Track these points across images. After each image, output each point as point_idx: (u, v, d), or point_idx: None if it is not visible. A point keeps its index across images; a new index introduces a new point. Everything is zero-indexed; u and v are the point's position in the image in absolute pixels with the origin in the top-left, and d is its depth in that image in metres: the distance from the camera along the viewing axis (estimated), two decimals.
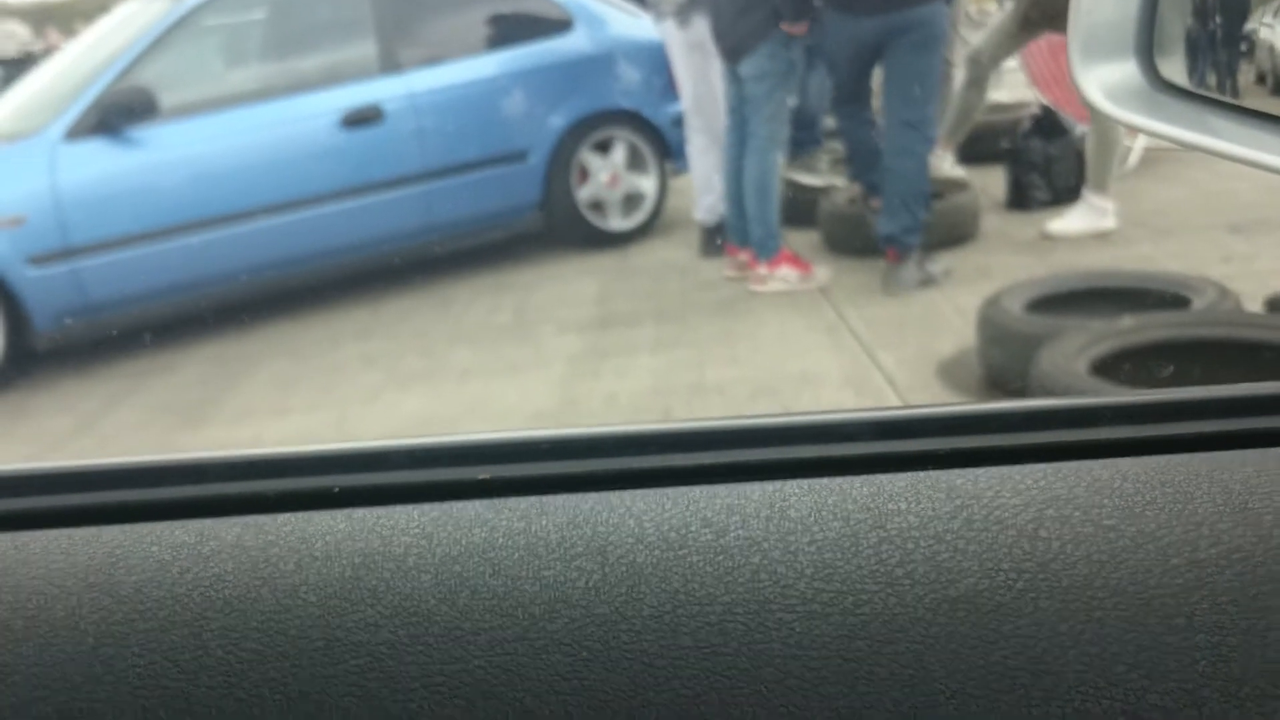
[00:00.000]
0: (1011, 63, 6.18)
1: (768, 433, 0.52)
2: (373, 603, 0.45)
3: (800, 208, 4.83)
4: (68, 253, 4.13)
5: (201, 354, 4.33)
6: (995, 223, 4.65)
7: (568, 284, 4.69)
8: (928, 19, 3.74)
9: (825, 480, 0.48)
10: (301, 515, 0.49)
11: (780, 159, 4.17)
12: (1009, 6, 4.45)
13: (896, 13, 3.72)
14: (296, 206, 4.50)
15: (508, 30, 5.15)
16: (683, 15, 4.52)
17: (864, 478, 0.48)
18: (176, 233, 4.29)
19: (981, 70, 4.51)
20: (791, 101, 4.10)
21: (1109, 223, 4.41)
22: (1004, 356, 2.89)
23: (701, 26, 4.40)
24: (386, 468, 0.54)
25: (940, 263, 4.03)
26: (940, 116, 4.61)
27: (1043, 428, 0.51)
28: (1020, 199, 4.79)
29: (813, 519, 0.46)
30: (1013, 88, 6.66)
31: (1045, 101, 5.22)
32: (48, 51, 8.11)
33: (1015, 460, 0.48)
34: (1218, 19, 0.95)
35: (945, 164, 4.72)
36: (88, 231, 4.17)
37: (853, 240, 4.42)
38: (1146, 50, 0.78)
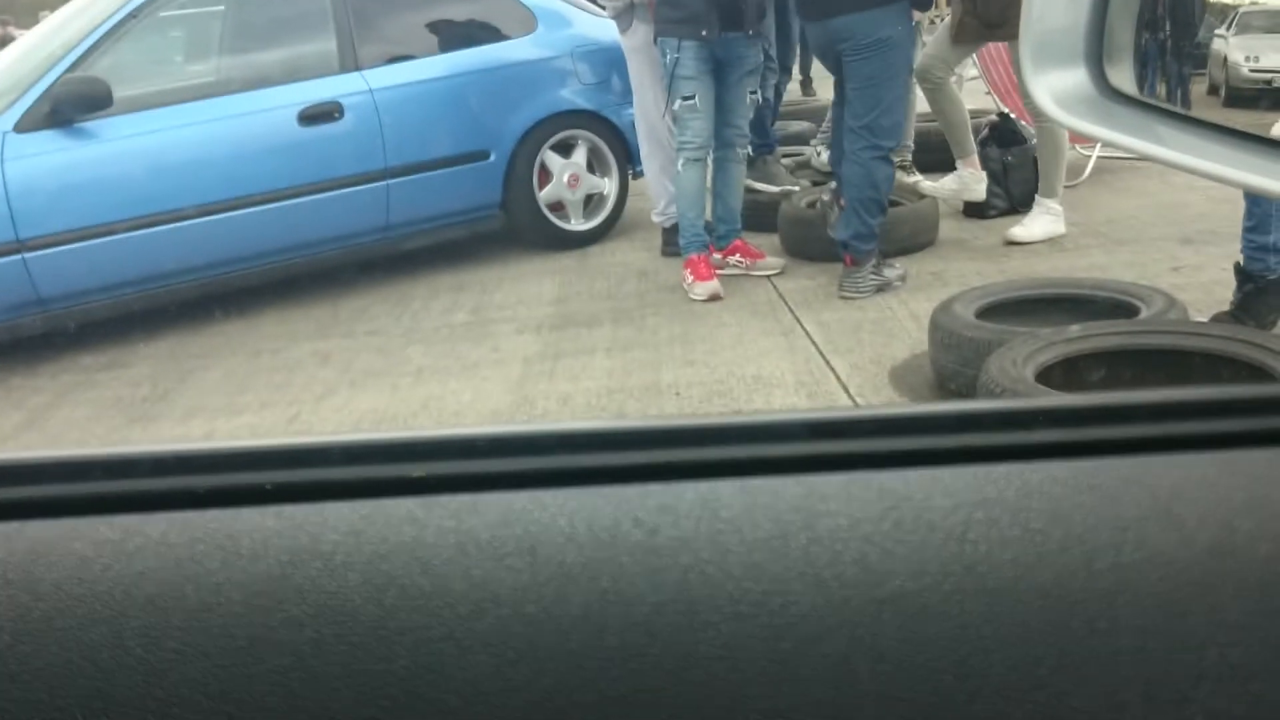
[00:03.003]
0: (971, 71, 6.24)
1: (703, 433, 0.52)
2: (298, 600, 0.44)
3: (761, 211, 4.85)
4: (17, 246, 4.06)
5: (154, 350, 4.28)
6: (953, 230, 4.69)
7: (527, 284, 4.68)
8: (850, 30, 3.73)
9: (758, 480, 0.48)
10: (230, 511, 0.48)
11: (680, 166, 4.15)
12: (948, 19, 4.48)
13: (840, 18, 3.73)
14: (252, 203, 4.45)
15: (470, 30, 5.13)
16: (622, 19, 4.53)
17: (796, 478, 0.48)
18: (129, 227, 4.23)
19: (934, 82, 4.53)
20: (691, 105, 4.05)
21: (1062, 227, 4.47)
22: (955, 361, 2.92)
23: (641, 31, 4.42)
24: (321, 464, 0.53)
25: (897, 268, 4.06)
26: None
27: (975, 430, 0.51)
28: (978, 207, 4.83)
29: (744, 519, 0.46)
30: (971, 96, 6.72)
31: (1004, 110, 5.27)
32: (4, 42, 7.97)
33: (947, 462, 0.49)
34: (1167, 30, 0.96)
35: (914, 176, 4.77)
36: (38, 225, 4.10)
37: (812, 244, 4.43)
38: (1096, 58, 0.79)
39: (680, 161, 4.15)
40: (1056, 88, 0.79)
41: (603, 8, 4.87)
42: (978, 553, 0.44)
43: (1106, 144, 0.67)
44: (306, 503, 0.49)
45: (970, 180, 4.69)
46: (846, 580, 0.44)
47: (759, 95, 4.24)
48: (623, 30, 4.56)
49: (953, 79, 4.77)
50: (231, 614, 0.44)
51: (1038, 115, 4.39)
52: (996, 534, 0.45)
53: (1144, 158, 0.84)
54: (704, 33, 3.94)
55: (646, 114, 4.64)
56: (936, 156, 4.93)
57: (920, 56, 4.51)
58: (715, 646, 0.42)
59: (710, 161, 4.29)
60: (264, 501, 0.50)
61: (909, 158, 4.95)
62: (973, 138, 4.71)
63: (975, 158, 4.72)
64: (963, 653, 0.42)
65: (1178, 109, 0.91)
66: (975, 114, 5.17)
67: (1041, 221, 4.45)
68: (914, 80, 4.52)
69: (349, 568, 0.45)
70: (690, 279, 4.16)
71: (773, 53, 4.74)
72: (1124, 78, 0.80)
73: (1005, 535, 0.45)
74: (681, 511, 0.47)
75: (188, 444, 0.54)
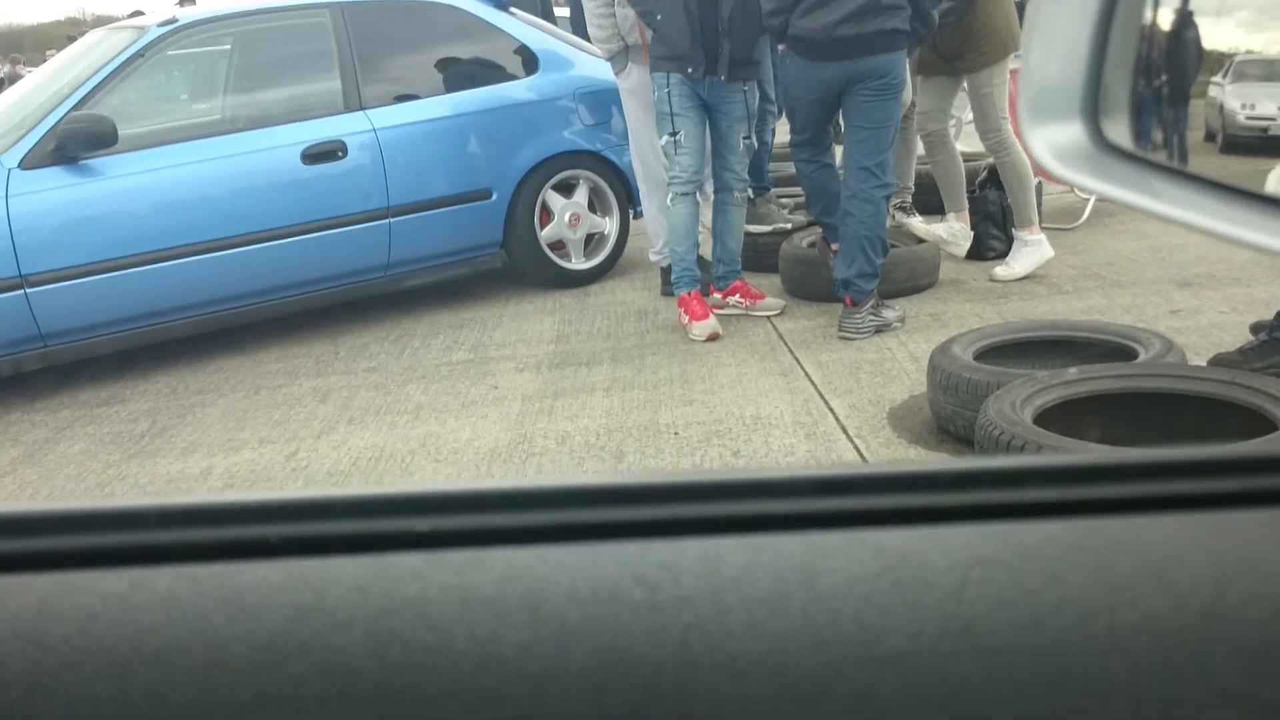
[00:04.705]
0: (969, 114, 6.28)
1: (707, 488, 0.53)
2: (303, 656, 0.44)
3: (761, 251, 4.87)
4: (20, 282, 4.08)
5: (153, 386, 4.29)
6: (952, 271, 4.71)
7: (527, 322, 4.70)
8: (885, 68, 3.79)
9: (760, 538, 0.49)
10: (235, 565, 0.49)
11: (669, 201, 4.22)
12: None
13: (855, 61, 3.78)
14: (255, 240, 4.47)
15: (473, 71, 5.18)
16: (616, 61, 4.59)
17: (797, 535, 0.49)
18: (132, 264, 4.25)
19: (937, 135, 4.57)
20: (676, 140, 4.13)
21: (1049, 251, 4.49)
22: (953, 403, 2.92)
23: (635, 73, 4.50)
24: (326, 518, 0.54)
25: (895, 310, 4.08)
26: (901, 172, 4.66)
27: (972, 487, 0.52)
28: (977, 248, 4.85)
29: (745, 576, 0.47)
30: (969, 138, 6.75)
31: None
32: (13, 79, 8.03)
33: (945, 519, 0.49)
34: (1162, 83, 0.97)
35: (916, 220, 4.79)
36: (41, 261, 4.12)
37: (813, 285, 4.45)
38: (1092, 113, 0.80)
39: (669, 196, 4.20)
40: (1053, 141, 0.80)
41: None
42: (974, 613, 0.45)
43: (1103, 198, 0.68)
44: (311, 557, 0.50)
45: (960, 234, 4.72)
46: (845, 639, 0.44)
47: (753, 141, 4.28)
48: (617, 72, 4.62)
49: (951, 123, 4.81)
50: (237, 669, 0.44)
51: (995, 149, 4.43)
52: (993, 594, 0.45)
53: (1140, 211, 0.84)
54: (689, 70, 4.03)
55: (642, 154, 4.69)
56: (936, 199, 4.95)
57: (915, 113, 4.58)
58: (715, 706, 0.43)
59: (703, 199, 4.35)
60: (269, 555, 0.50)
61: (909, 199, 4.98)
62: (965, 191, 4.75)
63: (966, 212, 4.75)
64: (959, 713, 0.42)
65: (1173, 164, 0.92)
66: (973, 157, 5.20)
67: (1023, 256, 4.46)
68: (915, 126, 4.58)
69: (353, 623, 0.46)
70: (686, 319, 4.17)
71: (771, 93, 4.79)
72: (1120, 132, 0.81)
73: (1002, 595, 0.45)
74: (683, 569, 0.47)
75: (193, 497, 0.55)
